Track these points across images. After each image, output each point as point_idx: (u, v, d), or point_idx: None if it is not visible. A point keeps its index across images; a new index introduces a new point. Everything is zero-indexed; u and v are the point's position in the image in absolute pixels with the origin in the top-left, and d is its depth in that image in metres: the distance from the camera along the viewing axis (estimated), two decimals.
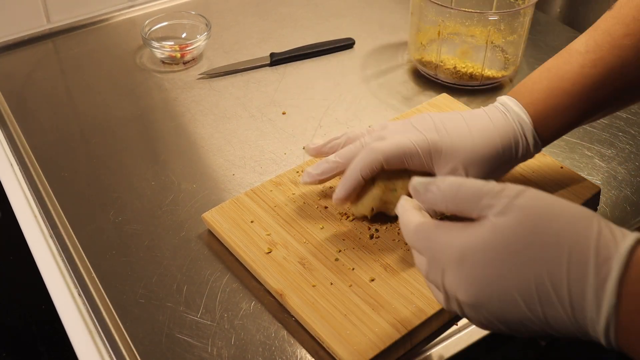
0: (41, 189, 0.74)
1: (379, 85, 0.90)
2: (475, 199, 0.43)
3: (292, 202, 0.68)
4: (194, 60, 0.95)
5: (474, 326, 0.58)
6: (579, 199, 0.68)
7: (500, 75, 0.87)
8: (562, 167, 0.72)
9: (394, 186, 0.63)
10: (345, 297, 0.58)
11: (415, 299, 0.58)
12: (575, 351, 0.69)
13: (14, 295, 0.71)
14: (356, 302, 0.58)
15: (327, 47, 0.96)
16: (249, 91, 0.89)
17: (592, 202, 0.69)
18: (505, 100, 0.62)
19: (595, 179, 0.74)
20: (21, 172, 0.76)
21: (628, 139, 0.80)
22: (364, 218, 0.65)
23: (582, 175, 0.72)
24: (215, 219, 0.66)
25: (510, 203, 0.42)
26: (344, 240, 0.64)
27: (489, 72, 0.87)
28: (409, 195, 0.61)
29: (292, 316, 0.59)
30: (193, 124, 0.83)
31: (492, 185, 0.43)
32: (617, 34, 0.59)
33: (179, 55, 0.93)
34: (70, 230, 0.69)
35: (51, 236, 0.68)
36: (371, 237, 0.64)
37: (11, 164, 0.77)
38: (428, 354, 0.57)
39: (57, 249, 0.67)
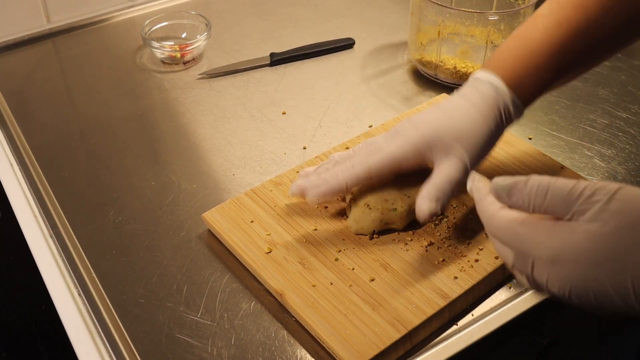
0: (41, 189, 0.74)
1: (379, 85, 0.90)
2: (565, 204, 0.43)
3: (292, 202, 0.68)
4: (194, 60, 0.95)
5: (474, 326, 0.58)
6: None
7: None
8: (562, 168, 0.72)
9: (392, 205, 0.63)
10: (345, 297, 0.58)
11: (415, 299, 0.58)
12: (576, 351, 0.69)
13: (14, 295, 0.71)
14: (356, 302, 0.58)
15: (327, 47, 0.96)
16: (249, 91, 0.89)
17: None
18: (476, 76, 0.63)
19: (596, 179, 0.74)
20: (21, 172, 0.76)
21: (628, 139, 0.80)
22: None
23: (583, 175, 0.72)
24: (215, 219, 0.66)
25: (603, 209, 0.42)
26: (344, 240, 0.64)
27: None
28: (410, 206, 0.62)
29: (292, 316, 0.59)
30: (193, 124, 0.83)
31: (581, 187, 0.43)
32: None
33: (179, 55, 0.93)
34: (70, 230, 0.69)
35: (51, 236, 0.68)
36: (371, 237, 0.64)
37: (11, 164, 0.77)
38: (428, 354, 0.57)
39: (57, 249, 0.67)
